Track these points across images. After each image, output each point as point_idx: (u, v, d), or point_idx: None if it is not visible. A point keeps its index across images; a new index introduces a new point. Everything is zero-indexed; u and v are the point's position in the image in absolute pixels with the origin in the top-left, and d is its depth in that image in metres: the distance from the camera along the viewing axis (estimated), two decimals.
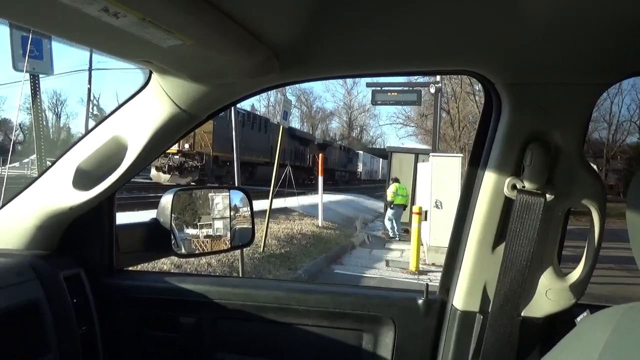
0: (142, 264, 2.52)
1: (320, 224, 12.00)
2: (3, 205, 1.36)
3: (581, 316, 0.87)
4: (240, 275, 6.07)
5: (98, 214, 1.38)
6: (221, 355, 1.37)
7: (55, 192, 1.27)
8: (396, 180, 12.91)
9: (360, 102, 58.43)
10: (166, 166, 20.95)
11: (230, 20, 0.82)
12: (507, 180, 1.10)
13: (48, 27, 0.79)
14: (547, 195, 1.07)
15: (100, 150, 1.23)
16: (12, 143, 13.55)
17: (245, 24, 0.85)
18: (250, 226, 1.83)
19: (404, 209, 12.48)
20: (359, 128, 64.23)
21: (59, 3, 0.64)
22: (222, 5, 0.77)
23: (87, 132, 1.26)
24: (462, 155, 11.61)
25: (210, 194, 1.77)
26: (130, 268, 1.59)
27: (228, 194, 1.82)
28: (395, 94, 13.52)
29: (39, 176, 1.32)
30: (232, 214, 1.80)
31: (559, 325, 1.15)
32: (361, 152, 49.94)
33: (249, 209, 1.85)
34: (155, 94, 1.13)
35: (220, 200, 1.79)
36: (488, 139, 1.17)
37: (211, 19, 0.78)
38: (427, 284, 1.34)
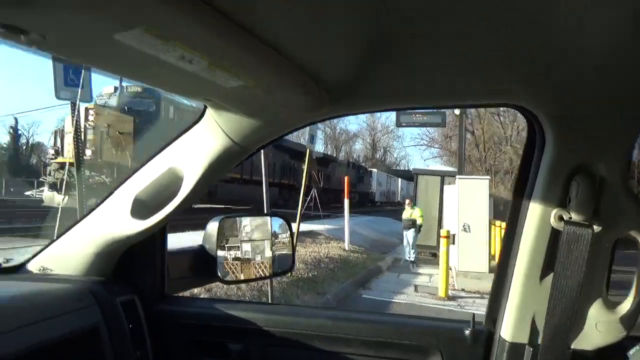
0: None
1: (346, 247, 11.95)
2: (63, 233, 1.43)
3: (633, 350, 0.86)
4: (270, 300, 6.08)
5: (150, 241, 1.43)
6: None
7: (114, 221, 1.33)
8: (411, 202, 12.84)
9: (384, 123, 58.49)
10: (58, 183, 14.52)
11: (289, 62, 0.86)
12: (554, 211, 1.11)
13: (127, 72, 0.84)
14: (595, 227, 1.06)
15: (157, 181, 1.29)
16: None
17: (303, 66, 0.90)
18: (290, 253, 1.87)
19: (418, 231, 12.33)
20: (382, 150, 64.25)
21: (142, 53, 0.69)
22: (284, 49, 0.82)
23: (144, 163, 1.32)
24: (489, 177, 11.47)
25: (251, 221, 1.81)
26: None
27: (269, 220, 1.86)
28: (420, 115, 13.51)
29: (97, 206, 1.38)
30: (272, 240, 1.83)
31: (610, 358, 1.13)
32: (375, 170, 44.75)
33: (288, 235, 1.89)
34: (209, 128, 1.18)
35: (260, 227, 1.83)
36: (532, 170, 1.18)
37: (273, 63, 0.83)
38: (473, 314, 1.33)
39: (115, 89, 16.32)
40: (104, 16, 0.60)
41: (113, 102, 16.06)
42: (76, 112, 4.36)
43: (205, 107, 1.15)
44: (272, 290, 6.31)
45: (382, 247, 15.42)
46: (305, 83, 0.94)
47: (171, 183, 1.27)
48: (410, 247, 12.33)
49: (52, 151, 16.41)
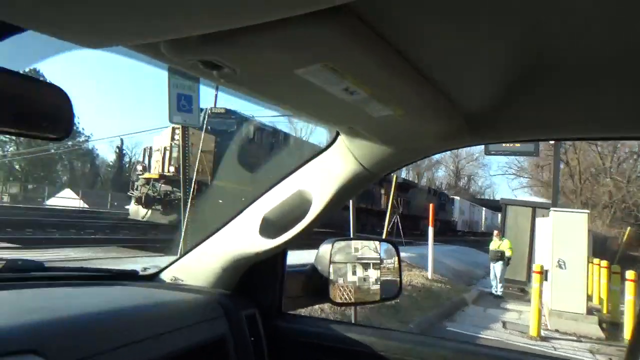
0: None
1: (429, 277, 11.62)
2: (194, 247, 1.54)
3: None
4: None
5: (272, 259, 1.50)
6: None
7: (243, 238, 1.41)
8: (499, 233, 12.26)
9: (469, 151, 56.76)
10: (143, 198, 15.34)
11: (437, 91, 0.89)
12: None
13: (290, 102, 0.90)
14: None
15: (286, 202, 1.36)
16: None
17: (449, 94, 0.92)
18: (397, 279, 1.87)
19: (507, 264, 11.71)
20: (466, 177, 62.29)
21: (313, 86, 0.75)
22: (434, 79, 0.84)
23: (274, 184, 1.40)
24: (588, 211, 10.68)
25: (361, 245, 1.83)
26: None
27: (378, 245, 1.88)
28: (512, 144, 12.97)
29: (227, 222, 1.48)
30: (380, 265, 1.84)
31: None
32: (457, 198, 42.80)
33: (394, 261, 1.90)
34: (340, 153, 1.23)
35: (369, 251, 1.85)
36: None
37: (425, 92, 0.86)
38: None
39: (201, 110, 17.23)
40: (292, 54, 0.66)
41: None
42: (183, 134, 4.70)
43: (338, 134, 1.20)
44: (355, 315, 6.27)
45: (467, 278, 14.80)
46: (450, 112, 0.96)
47: (300, 205, 1.34)
48: (498, 280, 11.74)
49: (140, 167, 16.89)
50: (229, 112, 16.45)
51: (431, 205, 12.52)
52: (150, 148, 16.79)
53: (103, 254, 9.39)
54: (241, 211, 1.45)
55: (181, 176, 4.61)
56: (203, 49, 0.63)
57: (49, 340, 0.89)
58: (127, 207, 18.26)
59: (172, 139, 15.45)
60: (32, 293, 1.18)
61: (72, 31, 0.56)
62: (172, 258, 1.65)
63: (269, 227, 1.37)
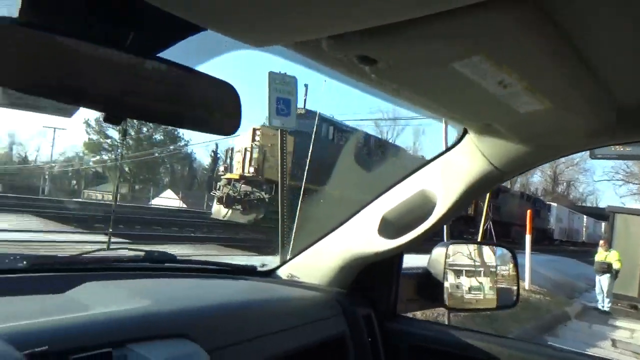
0: None
1: (527, 287, 10.97)
2: (311, 245, 1.57)
3: None
4: None
5: (388, 260, 1.49)
6: None
7: (361, 237, 1.42)
8: (606, 243, 11.25)
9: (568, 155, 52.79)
10: (224, 198, 15.67)
11: (596, 83, 0.82)
12: None
13: (433, 97, 0.88)
14: None
15: (407, 202, 1.34)
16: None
17: (608, 87, 0.85)
18: (513, 286, 1.78)
19: (615, 277, 10.71)
20: (565, 183, 58.09)
21: (463, 78, 0.72)
22: (597, 67, 0.78)
23: (394, 184, 1.39)
24: None
25: (478, 250, 1.77)
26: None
27: (493, 250, 1.80)
28: (621, 147, 11.88)
29: (344, 221, 1.49)
30: (496, 272, 1.77)
31: None
32: (554, 204, 39.16)
33: (509, 267, 1.81)
34: (468, 152, 1.19)
35: (484, 256, 1.78)
36: None
37: (583, 83, 0.80)
38: None
39: None
40: (453, 46, 0.65)
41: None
42: (280, 138, 4.86)
43: (465, 133, 1.17)
44: (449, 322, 6.07)
45: (568, 290, 13.77)
46: (604, 106, 0.89)
47: (421, 205, 1.31)
48: (605, 294, 10.81)
49: (222, 168, 17.32)
50: (309, 113, 16.60)
51: (529, 212, 11.81)
52: (232, 149, 17.20)
53: (203, 251, 9.96)
54: (359, 210, 1.45)
55: (279, 178, 4.75)
56: (364, 43, 0.64)
57: (197, 326, 0.95)
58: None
59: (253, 139, 15.78)
60: (171, 282, 1.27)
61: (241, 29, 0.59)
62: (268, 258, 1.70)
63: (389, 228, 1.36)
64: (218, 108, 0.70)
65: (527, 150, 1.10)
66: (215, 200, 16.34)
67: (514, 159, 1.14)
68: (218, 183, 16.59)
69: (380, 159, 17.84)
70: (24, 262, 1.10)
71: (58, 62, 0.55)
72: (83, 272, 1.17)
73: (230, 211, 15.44)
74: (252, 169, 15.47)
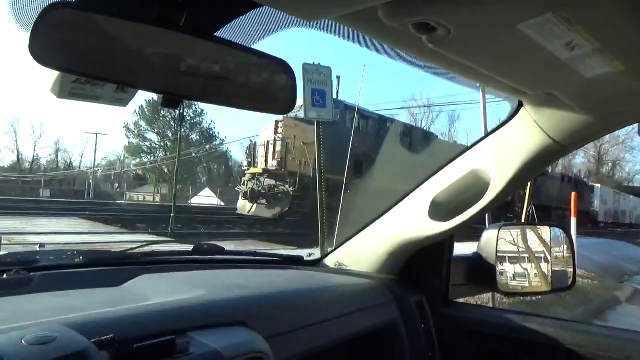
0: None
1: None
2: (357, 233, 1.56)
3: None
4: None
5: (438, 245, 1.46)
6: None
7: (410, 221, 1.39)
8: None
9: (612, 134, 50.67)
10: (248, 193, 15.40)
11: None
12: None
13: (490, 66, 0.84)
14: None
15: (458, 183, 1.30)
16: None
17: None
18: (568, 268, 1.71)
19: None
20: (610, 163, 55.88)
21: (527, 41, 0.68)
22: None
23: (442, 166, 1.35)
24: None
25: (530, 231, 1.71)
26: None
27: (547, 231, 1.73)
28: None
29: (392, 207, 1.46)
30: (551, 253, 1.70)
31: None
32: (598, 185, 37.77)
33: (564, 248, 1.74)
34: (524, 126, 1.14)
35: (538, 238, 1.72)
36: None
37: None
38: None
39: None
40: (521, 4, 0.61)
41: (302, 114, 15.83)
42: (317, 129, 4.85)
43: (520, 106, 1.12)
44: (494, 305, 5.95)
45: (617, 274, 13.27)
46: None
47: (473, 185, 1.27)
48: None
49: (245, 163, 17.16)
50: (334, 102, 16.23)
51: (573, 194, 11.43)
52: (255, 143, 17.14)
53: (242, 247, 10.10)
54: (407, 194, 1.42)
55: (317, 168, 4.74)
56: (421, 8, 0.61)
57: (253, 314, 0.95)
58: None
59: (276, 132, 15.61)
60: (223, 273, 1.28)
61: (295, 2, 0.57)
62: (307, 251, 1.69)
63: (440, 210, 1.33)
64: (274, 86, 0.69)
65: (590, 119, 1.04)
66: (240, 196, 16.21)
67: (576, 131, 1.09)
68: (242, 178, 16.59)
69: (411, 145, 17.47)
70: (81, 258, 1.13)
71: (114, 44, 0.56)
72: (137, 265, 1.20)
73: (255, 206, 15.30)
74: (275, 162, 15.34)
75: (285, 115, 14.99)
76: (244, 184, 16.05)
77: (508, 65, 0.82)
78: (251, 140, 17.88)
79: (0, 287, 0.91)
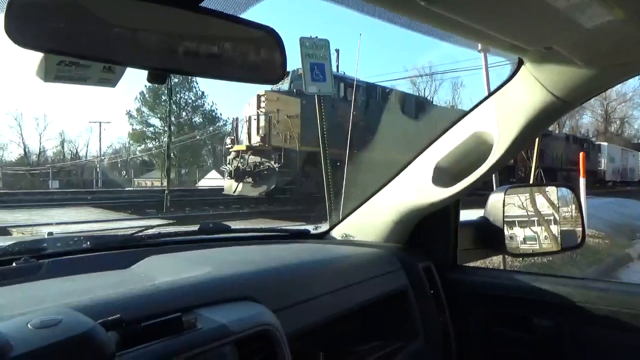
0: None
1: None
2: (362, 203, 1.55)
3: None
4: None
5: (444, 211, 1.45)
6: None
7: (414, 189, 1.38)
8: None
9: (619, 90, 49.86)
10: (233, 171, 14.74)
11: None
12: None
13: (483, 20, 0.81)
14: None
15: (460, 147, 1.29)
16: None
17: None
18: (579, 227, 1.71)
19: None
20: (618, 121, 55.20)
21: None
22: None
23: (443, 131, 1.33)
24: None
25: (537, 192, 1.70)
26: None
27: (553, 191, 1.72)
28: None
29: (395, 175, 1.45)
30: (559, 213, 1.69)
31: None
32: (605, 144, 36.74)
33: (572, 208, 1.73)
34: (525, 84, 1.12)
35: (545, 198, 1.71)
36: None
37: None
38: None
39: (288, 73, 14.35)
40: None
41: (285, 86, 15.00)
42: (318, 104, 4.80)
43: (520, 64, 1.09)
44: (504, 266, 5.97)
45: (628, 232, 13.25)
46: None
47: (476, 148, 1.26)
48: None
49: (228, 140, 16.30)
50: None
51: (581, 154, 11.33)
52: (236, 119, 16.51)
53: (251, 225, 10.16)
54: (410, 162, 1.41)
55: (321, 143, 4.71)
56: None
57: (260, 288, 0.96)
58: None
59: (258, 106, 14.89)
60: (229, 250, 1.29)
61: None
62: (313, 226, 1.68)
63: (443, 176, 1.32)
64: (263, 55, 0.67)
65: (592, 73, 1.02)
66: (226, 175, 15.51)
67: (578, 85, 1.06)
68: (227, 157, 15.88)
69: (402, 112, 16.91)
70: (88, 243, 1.14)
71: (93, 20, 0.54)
72: (143, 247, 1.20)
73: (240, 185, 14.66)
74: (258, 138, 14.64)
75: (269, 89, 14.66)
76: (229, 163, 15.39)
77: (505, 20, 0.80)
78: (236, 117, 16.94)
79: (9, 275, 0.92)
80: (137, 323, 0.68)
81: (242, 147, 14.98)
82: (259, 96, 15.13)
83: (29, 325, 0.57)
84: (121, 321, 0.66)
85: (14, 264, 0.97)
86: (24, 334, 0.55)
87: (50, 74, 0.62)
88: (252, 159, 14.59)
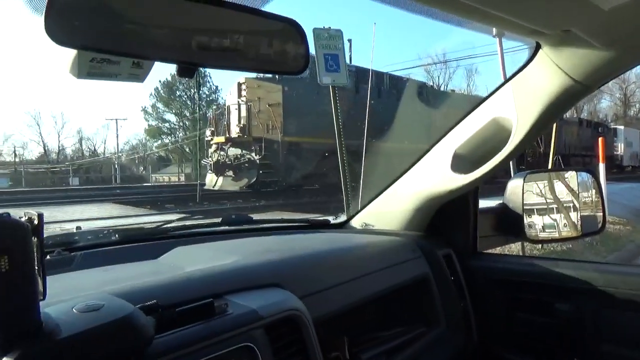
0: None
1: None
2: (380, 192, 1.57)
3: None
4: None
5: (463, 198, 1.46)
6: (608, 347, 1.28)
7: (433, 176, 1.39)
8: None
9: (638, 73, 48.66)
10: (212, 165, 14.15)
11: None
12: None
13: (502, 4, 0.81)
14: None
15: (479, 134, 1.29)
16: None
17: None
18: (599, 213, 1.70)
19: None
20: (637, 105, 53.95)
21: None
22: None
23: (461, 118, 1.34)
24: None
25: (556, 177, 1.69)
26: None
27: (574, 176, 1.71)
28: None
29: (414, 163, 1.46)
30: (578, 198, 1.69)
31: None
32: (621, 127, 35.56)
33: (592, 192, 1.72)
34: (543, 68, 1.11)
35: (565, 184, 1.70)
36: None
37: None
38: None
39: None
40: None
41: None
42: (333, 95, 4.80)
43: (538, 48, 1.09)
44: (523, 252, 5.93)
45: None
46: None
47: (495, 134, 1.26)
48: None
49: (208, 132, 15.58)
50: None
51: (600, 139, 11.14)
52: (216, 109, 16.17)
53: (270, 216, 10.21)
54: (429, 150, 1.42)
55: (337, 134, 4.70)
56: None
57: (287, 275, 0.98)
58: None
59: (239, 95, 14.28)
60: (254, 240, 1.32)
61: None
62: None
63: (462, 163, 1.33)
64: (286, 46, 0.69)
65: (611, 55, 1.01)
66: (208, 169, 14.71)
67: (597, 68, 1.06)
68: (209, 150, 15.21)
69: (397, 97, 16.27)
70: (117, 235, 1.17)
71: (126, 18, 0.57)
72: (170, 239, 1.24)
73: (221, 179, 13.98)
74: (237, 129, 13.92)
75: (254, 77, 13.99)
76: (210, 157, 14.72)
77: (524, 4, 0.80)
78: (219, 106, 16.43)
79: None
80: (172, 308, 0.71)
81: (221, 139, 14.29)
82: (239, 84, 14.48)
83: (74, 310, 0.60)
84: (157, 306, 0.69)
85: (48, 257, 1.00)
86: (71, 318, 0.58)
87: (83, 70, 0.65)
88: (232, 151, 13.99)
